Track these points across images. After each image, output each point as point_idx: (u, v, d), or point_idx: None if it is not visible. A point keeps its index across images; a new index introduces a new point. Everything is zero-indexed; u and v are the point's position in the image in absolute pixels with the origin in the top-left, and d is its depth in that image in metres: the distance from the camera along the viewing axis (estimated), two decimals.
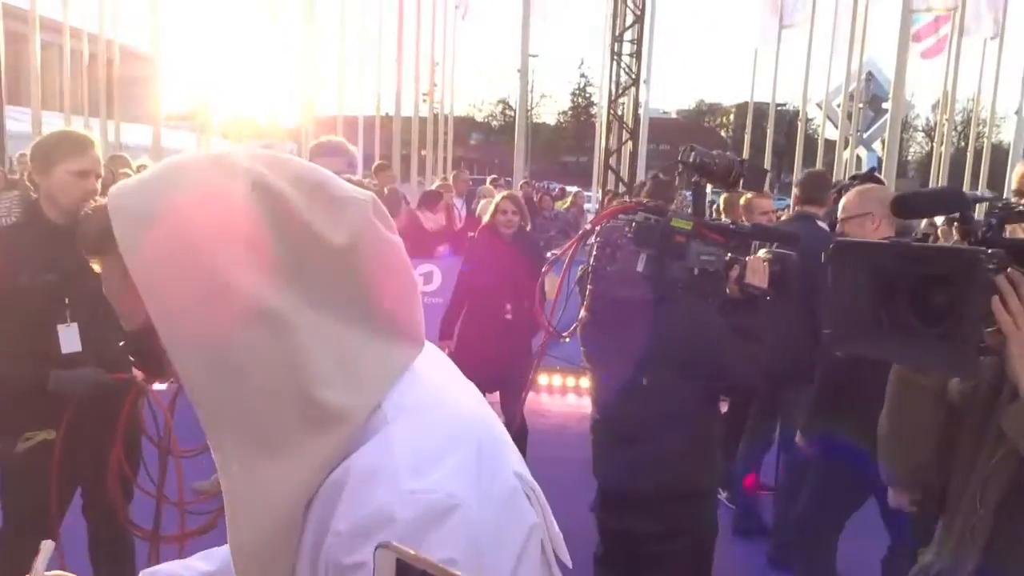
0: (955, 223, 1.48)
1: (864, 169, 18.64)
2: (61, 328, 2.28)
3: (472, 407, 0.87)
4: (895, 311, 1.31)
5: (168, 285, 0.75)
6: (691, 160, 2.49)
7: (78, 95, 17.60)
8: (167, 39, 15.27)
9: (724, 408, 2.73)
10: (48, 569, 0.94)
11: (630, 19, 11.25)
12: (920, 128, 38.14)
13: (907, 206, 1.55)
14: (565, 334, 2.62)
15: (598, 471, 2.67)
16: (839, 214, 3.22)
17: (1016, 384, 1.27)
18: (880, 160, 15.82)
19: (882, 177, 5.97)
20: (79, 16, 17.15)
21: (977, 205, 1.45)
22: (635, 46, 11.26)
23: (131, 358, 0.88)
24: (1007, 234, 1.42)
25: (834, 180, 5.65)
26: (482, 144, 49.76)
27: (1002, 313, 1.25)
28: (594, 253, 2.39)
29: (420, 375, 0.85)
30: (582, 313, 2.57)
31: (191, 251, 0.74)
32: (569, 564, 0.90)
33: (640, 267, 2.29)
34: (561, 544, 0.87)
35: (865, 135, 22.08)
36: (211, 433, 0.79)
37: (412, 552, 0.52)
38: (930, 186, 18.44)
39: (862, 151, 21.21)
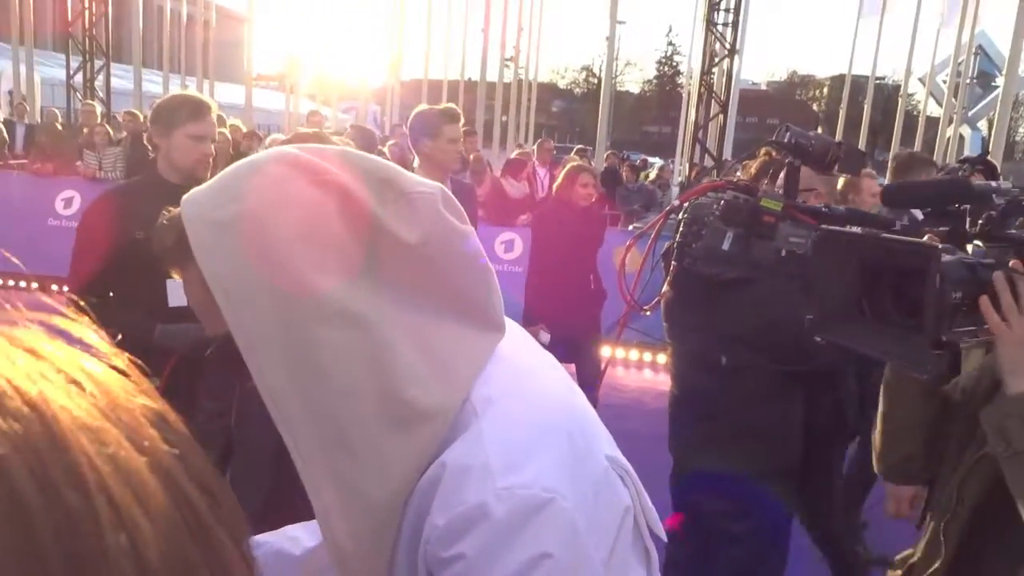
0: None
1: (967, 149, 17.66)
2: (170, 283, 2.37)
3: (560, 392, 0.89)
4: (877, 301, 1.31)
5: (245, 292, 0.75)
6: (786, 140, 2.43)
7: (176, 54, 18.25)
8: (260, 1, 15.62)
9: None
10: None
11: None
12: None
13: (898, 196, 1.50)
14: (647, 307, 2.62)
15: (673, 447, 2.67)
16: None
17: (1002, 381, 1.29)
18: (985, 140, 14.94)
19: (994, 162, 5.62)
20: None
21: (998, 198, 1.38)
22: (732, 15, 10.85)
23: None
24: None
25: (940, 163, 5.33)
26: (564, 111, 49.26)
27: (990, 312, 1.25)
28: (680, 229, 2.37)
29: (505, 361, 0.86)
30: (664, 288, 2.56)
31: (266, 256, 0.74)
32: (664, 539, 0.92)
33: (726, 245, 2.26)
34: (655, 519, 0.90)
35: (970, 113, 20.89)
36: (290, 437, 0.77)
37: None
38: None
39: (965, 130, 20.07)
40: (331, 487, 0.78)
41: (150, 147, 2.59)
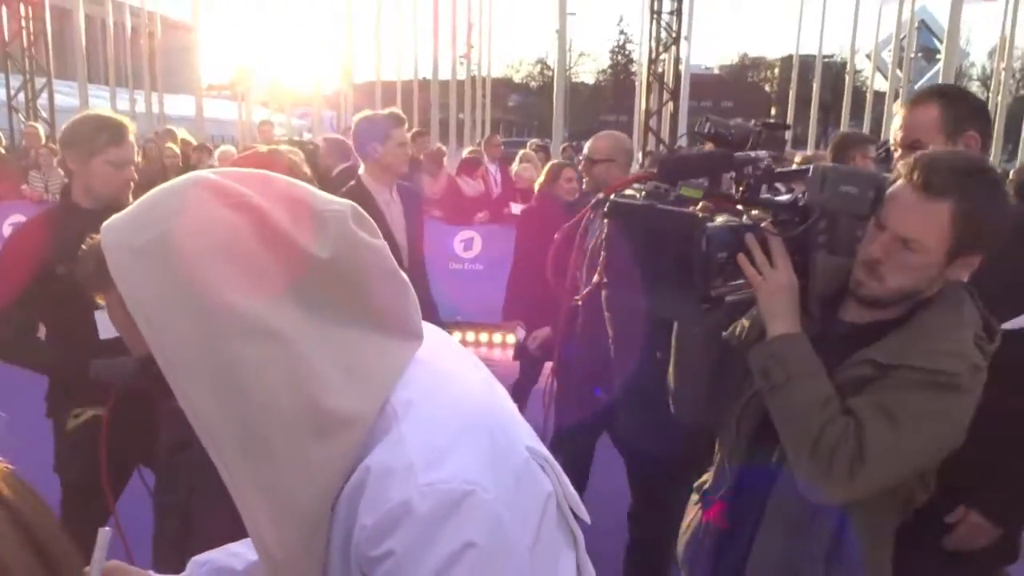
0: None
1: None
2: (98, 315, 2.29)
3: (480, 392, 0.92)
4: (659, 265, 1.44)
5: (164, 314, 0.77)
6: (706, 131, 2.47)
7: (122, 68, 17.90)
8: (207, 8, 15.40)
9: None
10: (110, 556, 0.97)
11: None
12: (976, 78, 36.66)
13: (666, 168, 1.68)
14: (577, 298, 2.69)
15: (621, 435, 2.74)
16: (589, 154, 3.37)
17: (765, 326, 1.49)
18: None
19: None
20: None
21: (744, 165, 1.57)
22: (676, 3, 10.97)
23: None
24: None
25: (882, 138, 5.44)
26: (521, 105, 49.27)
27: (746, 267, 1.45)
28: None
29: (426, 366, 0.89)
30: (595, 278, 2.60)
31: (182, 278, 0.77)
32: (588, 520, 0.96)
33: None
34: (578, 503, 0.95)
35: (917, 86, 21.30)
36: (216, 454, 0.80)
37: None
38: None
39: None
40: (259, 498, 0.81)
41: (63, 172, 2.49)
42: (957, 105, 1.94)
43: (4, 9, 13.42)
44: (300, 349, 0.78)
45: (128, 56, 18.03)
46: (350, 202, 0.86)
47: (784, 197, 1.53)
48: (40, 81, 13.50)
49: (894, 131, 2.06)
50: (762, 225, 1.48)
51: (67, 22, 17.19)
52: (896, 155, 2.01)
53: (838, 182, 1.40)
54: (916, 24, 18.29)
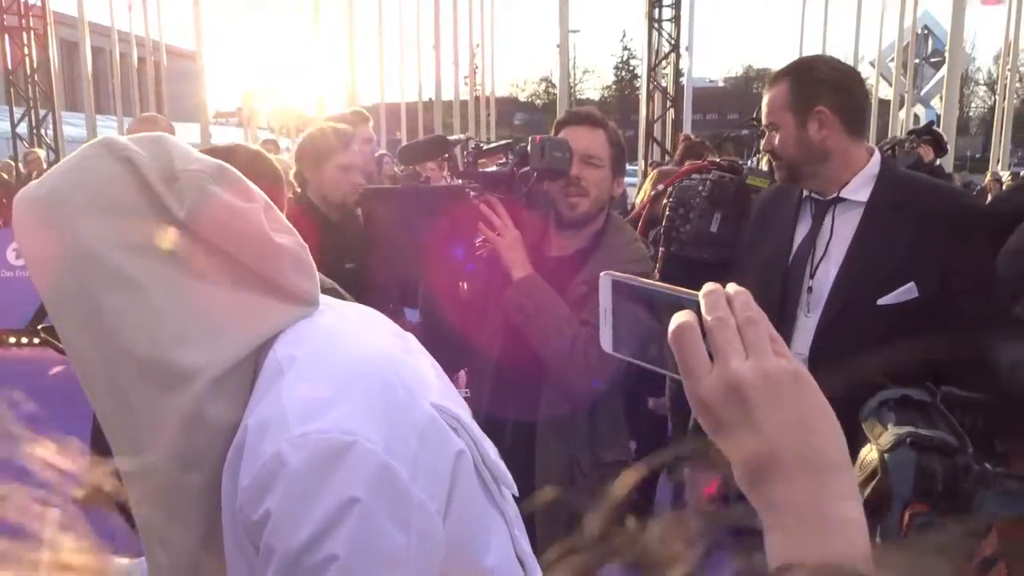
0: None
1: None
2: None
3: (383, 347, 0.87)
4: (427, 238, 1.74)
5: (44, 261, 0.80)
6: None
7: (129, 98, 18.11)
8: (211, 37, 15.57)
9: None
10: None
11: None
12: (982, 82, 36.52)
13: (404, 154, 2.01)
14: None
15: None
16: None
17: (511, 274, 1.84)
18: (939, 117, 15.20)
19: (942, 132, 5.70)
20: (126, 20, 17.60)
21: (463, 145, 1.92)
22: (674, 10, 11.03)
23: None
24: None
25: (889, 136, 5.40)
26: (526, 123, 49.47)
27: (486, 230, 1.81)
28: (667, 214, 2.36)
29: (322, 327, 0.85)
30: (656, 275, 2.55)
31: (61, 226, 0.79)
32: (515, 491, 0.91)
33: (714, 227, 2.24)
34: (503, 473, 0.87)
35: (923, 92, 21.24)
36: (92, 398, 0.80)
37: (626, 276, 0.61)
38: (992, 142, 17.79)
39: (920, 109, 20.42)
40: (124, 451, 0.78)
41: (295, 184, 2.57)
42: (804, 81, 1.82)
43: (7, 38, 13.60)
44: (156, 302, 0.78)
45: (135, 86, 18.23)
46: (218, 162, 0.85)
47: (495, 168, 1.88)
48: (45, 111, 13.65)
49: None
50: (482, 193, 1.81)
51: (74, 53, 17.43)
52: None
53: (551, 149, 1.78)
54: (920, 29, 18.27)
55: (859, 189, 1.79)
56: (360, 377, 0.79)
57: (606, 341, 0.62)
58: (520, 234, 1.85)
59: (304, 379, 0.77)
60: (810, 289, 1.81)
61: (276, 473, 0.71)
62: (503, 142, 1.93)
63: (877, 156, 1.83)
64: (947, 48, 14.61)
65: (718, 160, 2.47)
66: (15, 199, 0.83)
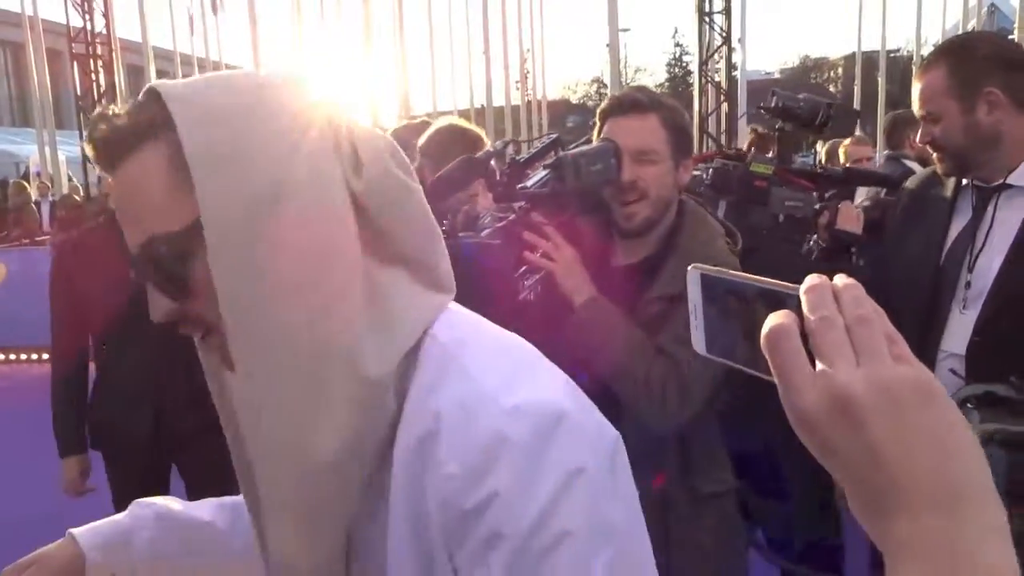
0: None
1: None
2: None
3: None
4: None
5: (230, 184, 0.69)
6: (774, 105, 2.35)
7: None
8: (268, 55, 15.97)
9: None
10: None
11: None
12: None
13: (434, 191, 1.77)
14: None
15: None
16: None
17: (572, 301, 1.60)
18: None
19: None
20: (187, 43, 18.19)
21: None
22: (725, 3, 10.87)
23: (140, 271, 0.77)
24: None
25: None
26: (579, 125, 49.29)
27: (535, 260, 1.57)
28: None
29: (463, 314, 0.83)
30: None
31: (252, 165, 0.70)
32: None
33: (720, 215, 2.18)
34: None
35: None
36: (248, 377, 0.72)
37: (716, 268, 0.55)
38: None
39: None
40: (288, 435, 0.72)
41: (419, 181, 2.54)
42: (966, 61, 1.66)
43: (76, 65, 14.19)
44: (346, 287, 0.72)
45: None
46: (390, 139, 0.80)
47: (539, 187, 1.60)
48: None
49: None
50: (529, 213, 1.58)
51: (140, 78, 18.08)
52: (919, 130, 1.79)
53: (587, 165, 1.56)
54: (986, 8, 17.54)
55: None
56: (532, 355, 0.77)
57: (698, 342, 0.56)
58: (575, 252, 1.62)
59: (487, 357, 0.75)
60: (968, 283, 1.68)
61: (498, 451, 0.66)
62: (542, 144, 1.68)
63: None
64: (1015, 25, 13.96)
65: (725, 150, 2.41)
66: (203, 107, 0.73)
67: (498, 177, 1.61)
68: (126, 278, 2.33)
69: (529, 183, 1.62)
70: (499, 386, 0.70)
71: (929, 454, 0.43)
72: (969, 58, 1.67)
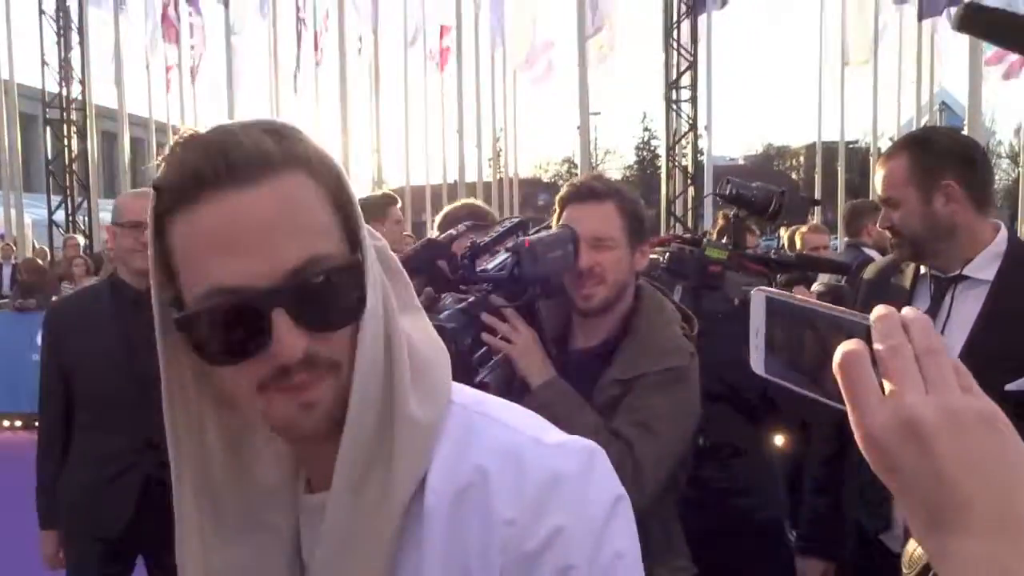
0: None
1: None
2: None
3: None
4: None
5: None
6: (728, 193, 2.42)
7: None
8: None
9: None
10: None
11: (683, 65, 11.30)
12: (1004, 155, 36.58)
13: (408, 265, 1.94)
14: None
15: None
16: None
17: (528, 381, 1.64)
18: None
19: None
20: (163, 111, 18.35)
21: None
22: (691, 92, 11.29)
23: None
24: None
25: None
26: (550, 204, 49.93)
27: (494, 341, 1.58)
28: None
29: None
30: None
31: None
32: None
33: (676, 298, 2.22)
34: None
35: None
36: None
37: (782, 293, 0.56)
38: (1020, 214, 17.69)
39: None
40: (349, 473, 0.70)
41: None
42: (927, 153, 1.72)
43: (48, 131, 14.19)
44: (397, 344, 0.73)
45: None
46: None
47: (497, 271, 1.62)
48: (81, 198, 14.15)
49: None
50: (488, 296, 1.60)
51: (114, 144, 18.12)
52: (879, 216, 1.85)
53: (545, 252, 1.60)
54: (937, 106, 18.42)
55: (984, 267, 1.70)
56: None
57: (757, 363, 0.58)
58: (534, 335, 1.66)
59: (507, 409, 0.77)
60: None
61: (555, 487, 0.68)
62: (504, 228, 1.72)
63: (1004, 232, 1.73)
64: (965, 122, 14.67)
65: (680, 235, 2.49)
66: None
67: (459, 259, 1.63)
68: (118, 346, 2.28)
69: (490, 266, 1.64)
70: (537, 429, 0.74)
71: (993, 479, 0.46)
72: (930, 151, 1.73)
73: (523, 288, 1.64)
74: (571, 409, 1.61)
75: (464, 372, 1.46)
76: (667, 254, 2.28)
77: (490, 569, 0.67)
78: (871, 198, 5.28)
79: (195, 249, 0.66)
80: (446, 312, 1.57)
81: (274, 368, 0.66)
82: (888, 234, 1.86)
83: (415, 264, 1.64)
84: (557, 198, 1.85)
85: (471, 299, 1.60)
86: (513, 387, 1.67)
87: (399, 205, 3.45)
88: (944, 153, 1.73)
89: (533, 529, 0.67)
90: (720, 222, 4.73)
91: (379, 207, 3.30)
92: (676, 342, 1.70)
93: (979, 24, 1.39)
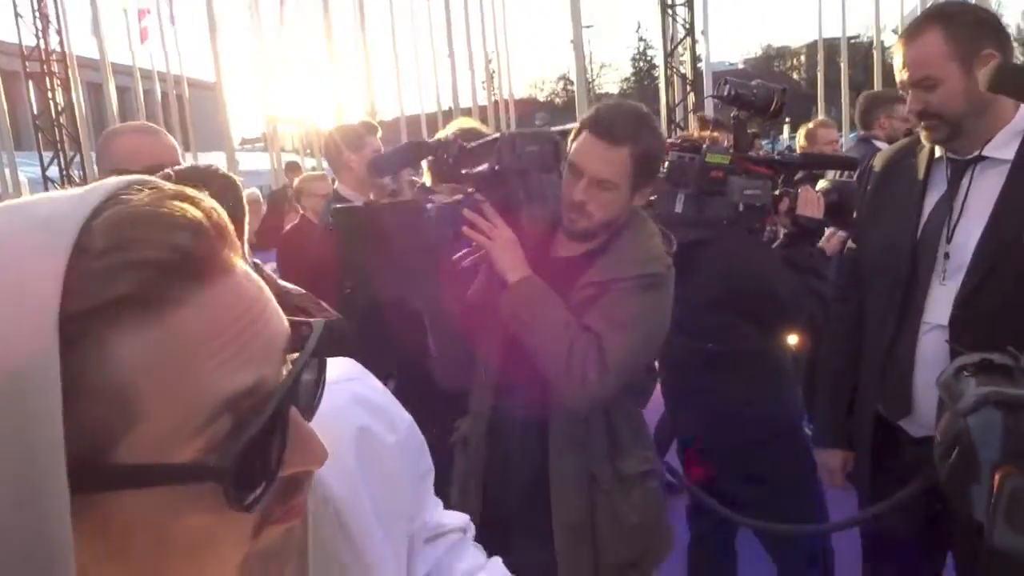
0: None
1: None
2: None
3: None
4: (397, 257, 1.71)
5: None
6: (727, 94, 2.32)
7: None
8: (230, 67, 15.79)
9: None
10: None
11: None
12: (1013, 39, 35.45)
13: (376, 165, 2.02)
14: None
15: (675, 424, 2.60)
16: None
17: (506, 278, 1.69)
18: None
19: None
20: (147, 58, 17.94)
21: None
22: None
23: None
24: None
25: None
26: (549, 124, 49.33)
27: (475, 235, 1.68)
28: None
29: None
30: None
31: None
32: None
33: (678, 208, 2.16)
34: None
35: None
36: None
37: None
38: None
39: None
40: None
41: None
42: (959, 25, 1.62)
43: (31, 84, 13.92)
44: None
45: (161, 121, 18.52)
46: None
47: (480, 168, 1.71)
48: (73, 152, 13.97)
49: (897, 72, 1.73)
50: (474, 195, 1.68)
51: (100, 94, 17.80)
52: (908, 100, 1.75)
53: (525, 144, 1.64)
54: None
55: (1004, 146, 1.63)
56: None
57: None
58: (513, 235, 1.70)
59: None
60: (947, 255, 1.66)
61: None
62: (487, 138, 1.75)
63: None
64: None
65: (678, 142, 2.39)
66: None
67: (444, 158, 1.71)
68: None
69: (475, 170, 1.71)
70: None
71: None
72: (963, 22, 1.62)
73: (507, 185, 1.68)
74: (544, 303, 1.66)
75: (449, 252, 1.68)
76: (666, 163, 2.20)
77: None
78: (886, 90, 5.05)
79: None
80: (431, 205, 1.66)
81: (294, 484, 0.52)
82: (913, 120, 1.76)
83: (395, 160, 1.81)
84: (580, 119, 1.78)
85: (454, 197, 1.69)
86: (492, 285, 1.73)
87: (379, 135, 3.27)
88: (978, 22, 1.62)
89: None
90: (695, 127, 4.57)
91: (356, 136, 3.15)
92: (655, 252, 1.74)
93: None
